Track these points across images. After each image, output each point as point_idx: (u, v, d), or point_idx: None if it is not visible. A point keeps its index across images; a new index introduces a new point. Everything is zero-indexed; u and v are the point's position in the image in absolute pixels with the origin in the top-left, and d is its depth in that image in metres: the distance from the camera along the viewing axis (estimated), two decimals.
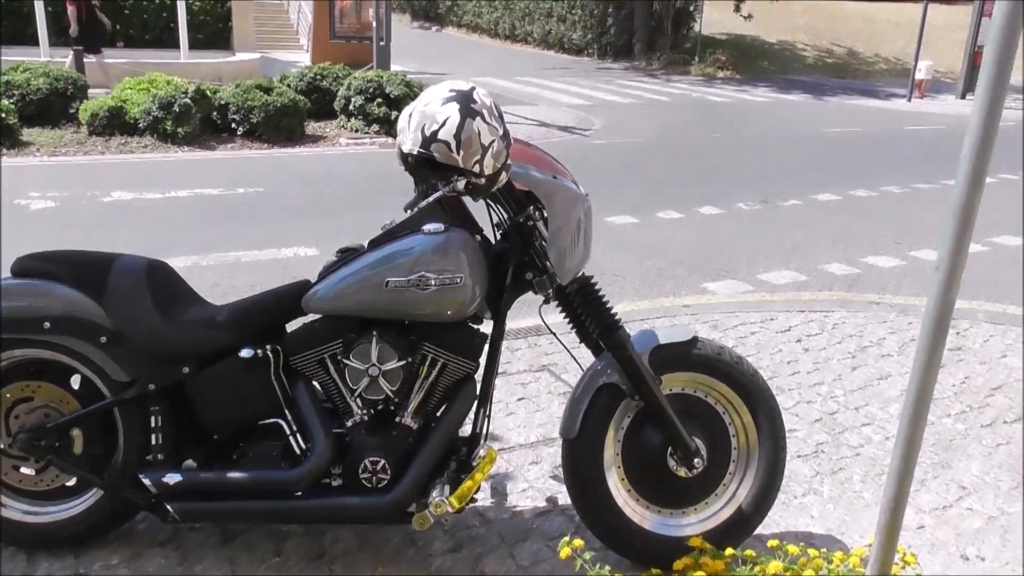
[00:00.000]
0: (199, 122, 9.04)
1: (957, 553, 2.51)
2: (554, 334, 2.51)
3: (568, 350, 2.56)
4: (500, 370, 3.70)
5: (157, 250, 5.37)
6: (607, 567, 1.86)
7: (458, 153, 1.91)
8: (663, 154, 9.96)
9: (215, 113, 9.35)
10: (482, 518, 2.59)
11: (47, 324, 2.15)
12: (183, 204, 6.61)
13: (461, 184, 1.97)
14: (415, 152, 1.93)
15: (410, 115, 1.95)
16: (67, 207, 6.27)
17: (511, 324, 4.12)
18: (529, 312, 4.03)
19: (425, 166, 1.96)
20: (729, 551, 1.98)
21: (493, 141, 1.94)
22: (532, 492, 2.76)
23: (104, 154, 8.37)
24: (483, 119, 1.92)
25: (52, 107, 9.16)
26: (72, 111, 9.20)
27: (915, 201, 7.76)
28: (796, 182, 8.40)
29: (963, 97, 17.56)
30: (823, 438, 3.19)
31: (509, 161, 2.03)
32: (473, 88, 1.97)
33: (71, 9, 11.60)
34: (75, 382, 2.32)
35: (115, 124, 8.86)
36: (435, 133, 1.91)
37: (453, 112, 1.90)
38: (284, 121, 9.35)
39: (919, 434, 1.68)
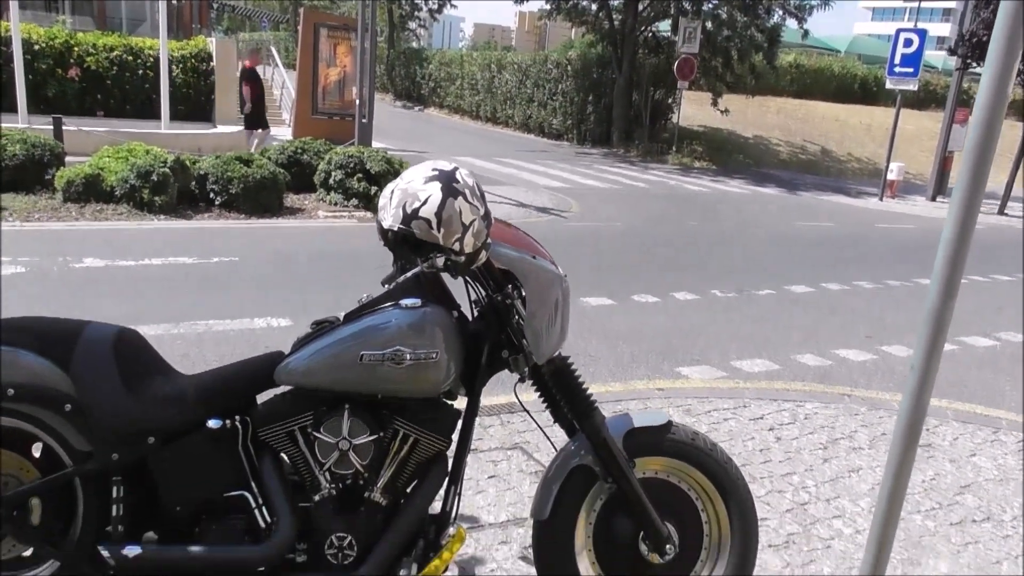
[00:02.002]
0: (177, 192, 9.04)
1: None
2: (528, 413, 2.50)
3: (542, 429, 2.55)
4: (471, 447, 3.67)
5: (128, 318, 5.32)
6: None
7: (438, 231, 1.93)
8: (640, 239, 10.12)
9: (193, 183, 9.37)
10: None
11: (11, 392, 2.10)
12: (156, 272, 6.58)
13: (440, 261, 1.98)
14: (395, 228, 1.95)
15: (392, 192, 1.98)
16: (37, 273, 6.21)
17: (484, 401, 4.09)
18: (503, 389, 4.00)
19: (405, 243, 1.98)
20: None
21: (474, 220, 1.97)
22: (500, 573, 2.70)
23: (78, 221, 8.33)
24: (465, 198, 1.95)
25: (27, 174, 9.13)
26: (48, 178, 9.19)
27: (887, 297, 7.91)
28: (770, 273, 8.55)
29: (933, 199, 18.13)
30: (794, 529, 3.17)
31: (489, 240, 2.05)
32: (456, 168, 2.01)
33: (245, 90, 13.56)
34: (36, 450, 2.26)
35: (91, 192, 8.83)
36: (416, 211, 1.93)
37: (435, 191, 1.93)
38: (263, 193, 9.40)
39: (891, 534, 1.69)
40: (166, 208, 8.82)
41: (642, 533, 2.27)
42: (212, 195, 9.33)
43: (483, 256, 2.05)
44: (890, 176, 17.80)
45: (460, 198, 1.94)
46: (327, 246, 8.28)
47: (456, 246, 1.96)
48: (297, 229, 9.12)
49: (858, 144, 26.35)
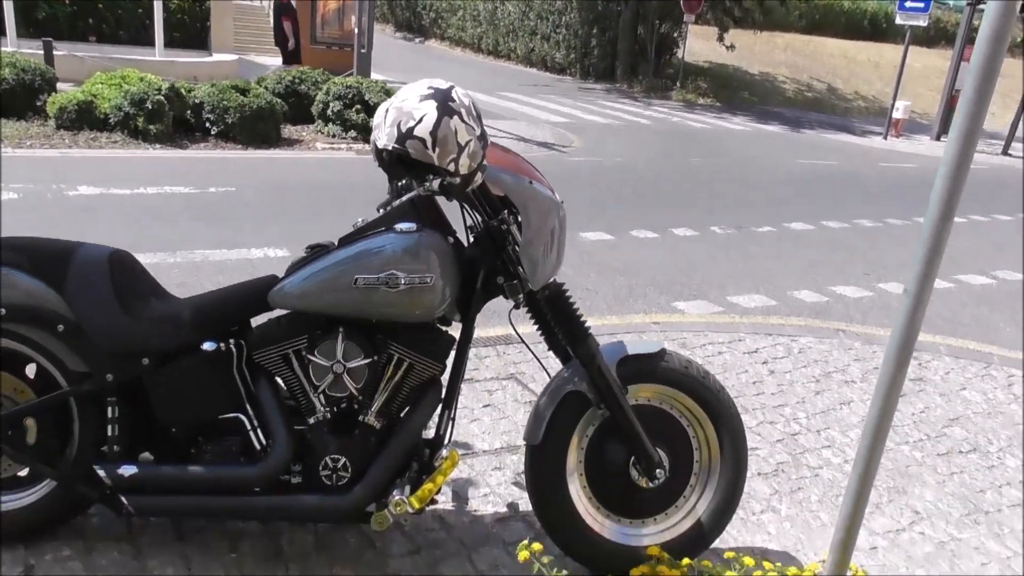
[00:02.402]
0: (172, 121, 8.91)
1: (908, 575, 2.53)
2: (523, 340, 2.51)
3: (537, 357, 2.56)
4: (467, 377, 3.69)
5: (123, 246, 5.23)
6: (564, 572, 1.85)
7: (433, 151, 1.90)
8: (641, 175, 10.04)
9: (189, 112, 9.23)
10: (442, 522, 2.57)
11: (3, 311, 2.10)
12: (151, 201, 6.52)
13: (436, 184, 1.96)
14: (390, 148, 1.92)
15: (386, 111, 1.94)
16: (31, 199, 6.17)
17: (480, 332, 4.11)
18: (499, 321, 4.01)
19: (400, 163, 1.95)
20: (686, 561, 1.98)
21: (470, 141, 1.93)
22: (493, 498, 2.74)
23: (71, 148, 8.23)
24: (460, 118, 1.91)
25: (17, 99, 8.96)
26: (39, 104, 9.03)
27: (886, 235, 7.88)
28: (770, 210, 8.50)
29: (938, 139, 17.89)
30: (784, 458, 3.21)
31: (485, 163, 2.02)
32: (452, 87, 1.97)
33: (287, 25, 13.63)
34: (30, 371, 2.27)
35: (84, 119, 8.70)
36: (411, 130, 1.90)
37: (430, 109, 1.89)
38: (260, 123, 9.27)
39: (879, 448, 1.71)
40: (161, 137, 8.72)
41: (633, 458, 2.30)
42: (208, 124, 9.21)
43: (479, 178, 2.02)
44: (895, 115, 17.55)
45: (456, 117, 1.91)
46: (325, 178, 8.21)
47: (451, 167, 1.93)
48: (295, 160, 9.03)
49: (865, 82, 25.93)
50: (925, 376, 4.21)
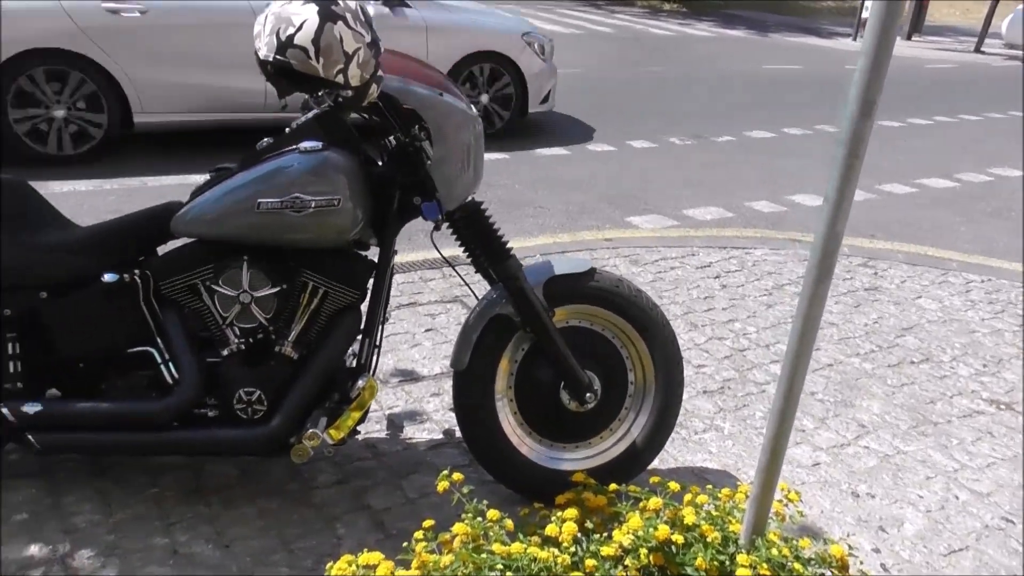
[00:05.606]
0: None
1: (848, 490, 2.51)
2: (448, 262, 2.40)
3: (464, 281, 2.44)
4: (410, 301, 3.60)
5: None
6: (484, 502, 1.78)
7: (317, 61, 1.73)
8: (600, 86, 9.76)
9: None
10: (374, 451, 2.51)
11: None
12: None
13: (330, 99, 1.80)
14: (271, 59, 1.74)
15: (265, 17, 1.76)
16: None
17: (424, 254, 4.00)
18: (446, 242, 3.89)
19: (285, 76, 1.77)
20: (612, 487, 1.92)
21: (359, 49, 1.76)
22: (429, 425, 2.67)
23: None
24: (346, 23, 1.73)
25: None
26: None
27: None
28: (731, 118, 8.32)
29: (909, 37, 17.60)
30: (731, 375, 3.16)
31: (381, 73, 1.86)
32: None
33: None
34: None
35: None
36: (291, 38, 1.71)
37: (311, 15, 1.71)
38: None
39: (802, 370, 1.63)
40: None
41: (563, 382, 2.22)
42: None
43: (374, 91, 1.86)
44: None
45: (340, 23, 1.72)
46: None
47: (340, 79, 1.76)
48: None
49: None
50: (880, 285, 4.16)
